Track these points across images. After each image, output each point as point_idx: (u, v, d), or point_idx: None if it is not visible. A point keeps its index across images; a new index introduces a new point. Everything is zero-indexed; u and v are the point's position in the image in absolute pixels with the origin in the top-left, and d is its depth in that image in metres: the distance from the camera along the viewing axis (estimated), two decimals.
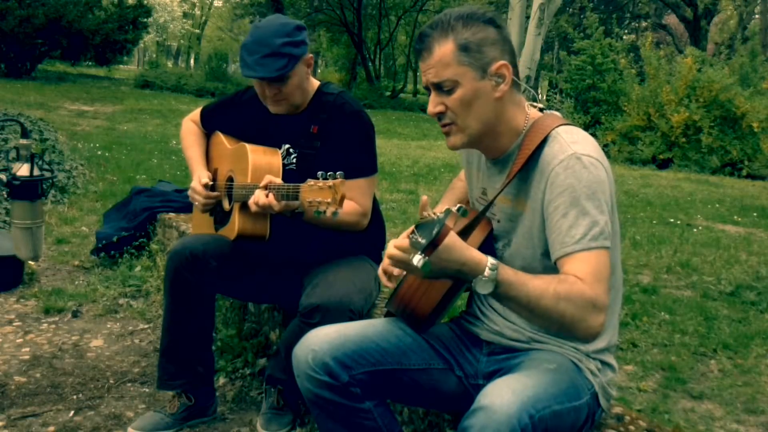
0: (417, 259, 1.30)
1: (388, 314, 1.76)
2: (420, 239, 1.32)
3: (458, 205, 1.35)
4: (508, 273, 1.36)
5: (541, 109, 1.64)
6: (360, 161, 2.24)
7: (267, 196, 2.04)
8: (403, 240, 1.41)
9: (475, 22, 1.50)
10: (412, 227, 1.40)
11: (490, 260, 1.35)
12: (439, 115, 1.55)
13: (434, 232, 1.30)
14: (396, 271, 1.61)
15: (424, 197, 1.41)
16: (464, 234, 1.60)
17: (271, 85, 2.20)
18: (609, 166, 1.51)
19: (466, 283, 1.72)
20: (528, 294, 1.36)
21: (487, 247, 1.64)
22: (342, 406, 1.58)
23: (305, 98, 2.30)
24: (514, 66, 1.54)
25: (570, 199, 1.44)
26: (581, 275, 1.39)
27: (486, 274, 1.34)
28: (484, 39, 1.50)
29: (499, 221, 1.64)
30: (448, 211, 1.33)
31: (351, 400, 1.58)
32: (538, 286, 1.36)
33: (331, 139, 2.26)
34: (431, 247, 1.31)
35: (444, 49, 1.50)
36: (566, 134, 1.51)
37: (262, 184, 2.06)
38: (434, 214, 1.36)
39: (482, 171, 1.71)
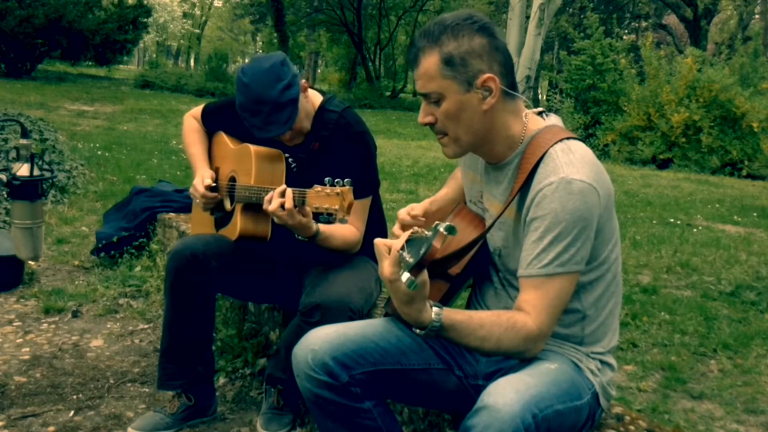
0: (405, 277, 1.33)
1: (387, 314, 1.76)
2: (408, 257, 1.35)
3: (446, 224, 1.33)
4: (449, 332, 1.43)
5: (541, 113, 1.63)
6: (359, 183, 2.20)
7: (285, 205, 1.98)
8: (395, 254, 1.39)
9: (463, 32, 1.48)
10: (404, 241, 1.39)
11: (434, 321, 1.41)
12: (430, 125, 1.56)
13: (421, 252, 1.32)
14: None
15: (406, 217, 1.46)
16: (471, 245, 1.60)
17: (285, 133, 2.19)
18: (604, 182, 1.48)
19: (465, 283, 1.73)
20: (468, 344, 1.46)
21: (483, 250, 1.66)
22: (342, 406, 1.58)
23: (311, 120, 2.29)
24: (508, 74, 1.52)
25: (550, 224, 1.45)
26: (534, 311, 1.45)
27: (425, 332, 1.42)
28: (470, 51, 1.48)
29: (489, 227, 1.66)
30: (435, 231, 1.32)
31: (351, 399, 1.58)
32: (479, 338, 1.44)
33: (332, 156, 2.24)
34: (417, 267, 1.33)
35: (429, 61, 1.49)
36: (562, 153, 1.49)
37: (278, 190, 2.01)
38: (424, 232, 1.37)
39: (481, 175, 1.71)
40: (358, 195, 2.16)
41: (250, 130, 2.18)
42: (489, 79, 1.49)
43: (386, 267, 1.38)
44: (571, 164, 1.46)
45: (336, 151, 2.24)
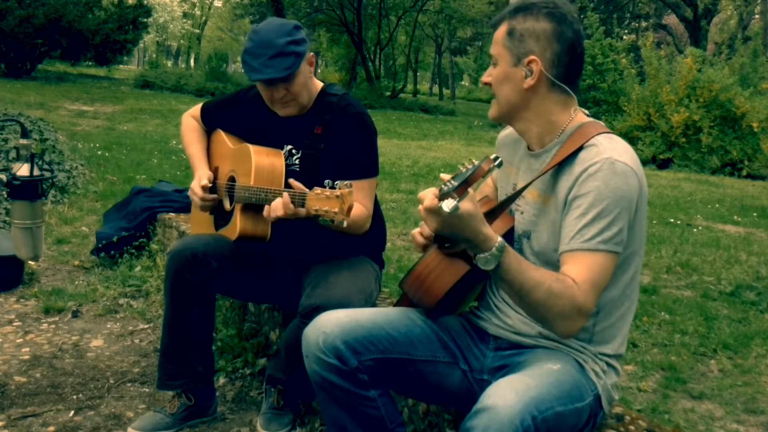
0: (446, 204, 1.35)
1: (398, 302, 1.79)
2: (453, 182, 1.39)
3: (495, 155, 1.41)
4: (511, 258, 1.44)
5: (588, 116, 1.67)
6: (363, 163, 2.24)
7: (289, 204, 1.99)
8: (432, 200, 1.43)
9: (534, 12, 1.57)
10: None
11: (500, 241, 1.43)
12: (488, 84, 1.66)
13: (468, 173, 1.38)
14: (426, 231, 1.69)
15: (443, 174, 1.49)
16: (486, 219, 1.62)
17: (278, 86, 2.19)
18: (644, 176, 1.53)
19: (483, 278, 1.72)
20: (523, 282, 1.44)
21: (507, 239, 1.65)
22: (348, 392, 1.59)
23: (311, 98, 2.30)
24: (560, 65, 1.56)
25: (593, 200, 1.47)
26: (578, 280, 1.45)
27: (492, 252, 1.41)
28: (531, 31, 1.56)
29: (522, 213, 1.67)
30: (485, 158, 1.40)
31: (357, 386, 1.59)
32: (534, 277, 1.44)
33: (335, 140, 2.25)
34: (464, 185, 1.38)
35: (502, 29, 1.62)
36: (606, 141, 1.53)
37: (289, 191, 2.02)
38: (467, 166, 1.43)
39: (518, 167, 1.73)
40: (364, 175, 2.21)
41: (248, 74, 2.19)
42: (532, 62, 1.56)
43: (426, 198, 1.44)
44: (615, 150, 1.51)
45: (338, 133, 2.25)
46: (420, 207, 1.47)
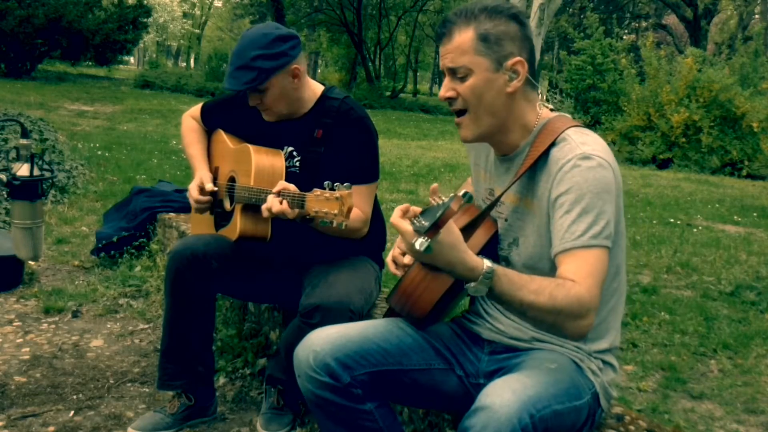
0: (419, 243, 1.32)
1: (387, 313, 1.76)
2: (423, 222, 1.35)
3: (464, 191, 1.36)
4: (503, 281, 1.38)
5: (551, 110, 1.65)
6: (363, 168, 2.23)
7: (281, 203, 1.99)
8: (406, 225, 1.39)
9: (499, 16, 1.53)
10: (418, 212, 1.42)
11: (486, 267, 1.37)
12: (450, 101, 1.56)
13: (438, 214, 1.32)
14: (405, 260, 1.64)
15: (434, 184, 1.44)
16: (467, 231, 1.58)
17: (251, 95, 2.20)
18: (617, 167, 1.52)
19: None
20: (522, 299, 1.39)
21: (491, 247, 1.64)
22: (343, 408, 1.58)
23: (296, 107, 2.28)
24: (532, 64, 1.56)
25: (575, 196, 1.45)
26: (577, 277, 1.41)
27: (480, 281, 1.37)
28: (505, 33, 1.52)
29: (506, 220, 1.65)
30: (453, 197, 1.34)
31: (352, 401, 1.58)
32: (532, 291, 1.38)
33: (335, 144, 2.25)
34: (434, 228, 1.33)
35: (464, 36, 1.52)
36: (576, 135, 1.52)
37: (275, 189, 2.02)
38: (441, 199, 1.38)
39: (489, 171, 1.71)
40: (364, 180, 2.20)
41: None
42: (518, 63, 1.53)
43: (401, 242, 1.41)
44: (586, 144, 1.49)
45: (339, 138, 2.24)
46: (392, 220, 1.43)
